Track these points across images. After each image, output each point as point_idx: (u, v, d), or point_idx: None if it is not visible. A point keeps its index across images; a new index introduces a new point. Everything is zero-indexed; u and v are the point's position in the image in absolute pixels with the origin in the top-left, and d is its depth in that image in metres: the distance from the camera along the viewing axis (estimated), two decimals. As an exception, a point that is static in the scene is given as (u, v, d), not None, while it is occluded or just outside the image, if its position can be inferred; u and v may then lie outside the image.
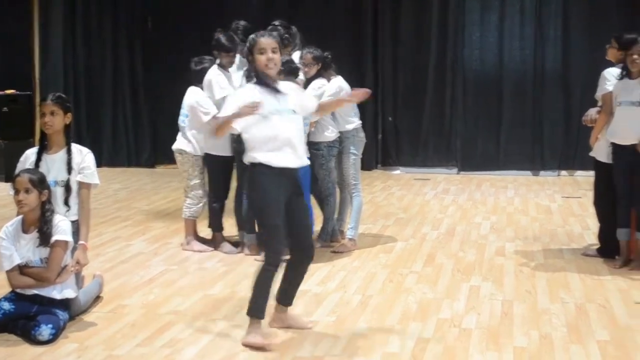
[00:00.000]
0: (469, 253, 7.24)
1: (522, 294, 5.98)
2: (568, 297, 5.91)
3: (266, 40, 4.94)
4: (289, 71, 6.71)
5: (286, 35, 7.21)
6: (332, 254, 7.15)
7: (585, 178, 10.96)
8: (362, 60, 12.40)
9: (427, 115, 12.41)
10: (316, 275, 6.47)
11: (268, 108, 4.87)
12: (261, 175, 4.95)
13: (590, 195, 7.28)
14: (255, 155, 4.95)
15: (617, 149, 6.66)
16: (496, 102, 12.22)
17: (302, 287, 5.99)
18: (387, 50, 12.44)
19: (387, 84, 12.44)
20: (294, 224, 5.03)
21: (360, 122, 7.48)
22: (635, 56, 6.44)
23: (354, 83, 7.57)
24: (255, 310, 4.97)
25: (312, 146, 7.10)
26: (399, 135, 12.63)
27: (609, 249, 6.94)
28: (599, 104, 6.95)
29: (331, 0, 12.57)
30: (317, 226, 7.36)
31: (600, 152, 6.90)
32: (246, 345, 4.90)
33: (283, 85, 5.11)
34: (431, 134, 12.47)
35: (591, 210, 7.35)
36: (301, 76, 7.03)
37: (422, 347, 4.90)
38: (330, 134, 7.21)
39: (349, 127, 7.32)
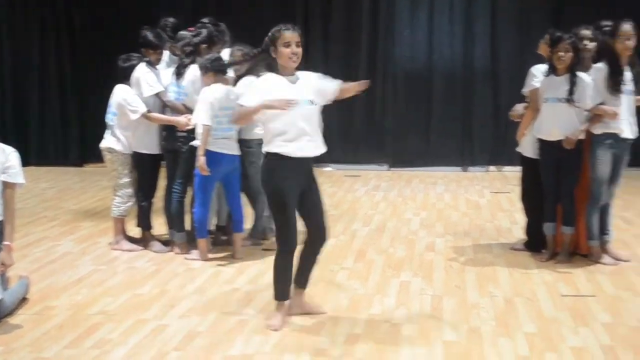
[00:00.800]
0: (399, 249, 7.29)
1: (451, 289, 6.04)
2: (497, 291, 5.99)
3: (291, 34, 5.07)
4: (218, 69, 6.68)
5: (215, 32, 7.17)
6: (264, 251, 7.13)
7: (514, 173, 11.10)
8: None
9: (358, 113, 12.45)
10: (247, 273, 6.45)
11: (287, 96, 5.00)
12: (277, 165, 5.09)
13: (518, 190, 7.38)
14: (272, 145, 5.09)
15: (543, 144, 6.76)
16: (426, 99, 12.32)
17: (233, 285, 6.01)
18: (318, 48, 12.45)
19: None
20: (310, 207, 5.25)
21: (290, 119, 7.46)
22: (561, 53, 6.54)
23: (284, 80, 7.55)
24: (277, 294, 5.29)
25: (243, 144, 7.07)
26: (330, 132, 12.51)
27: (536, 243, 7.05)
28: (527, 99, 7.05)
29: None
30: (248, 224, 7.34)
31: (527, 148, 7.00)
32: (268, 326, 5.17)
33: (302, 75, 5.23)
34: (362, 131, 12.52)
35: (519, 205, 7.45)
36: (231, 73, 7.00)
37: (352, 342, 4.92)
38: (260, 131, 7.15)
39: (279, 124, 7.30)
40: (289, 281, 5.31)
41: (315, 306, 5.53)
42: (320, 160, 12.52)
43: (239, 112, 5.22)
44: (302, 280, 5.42)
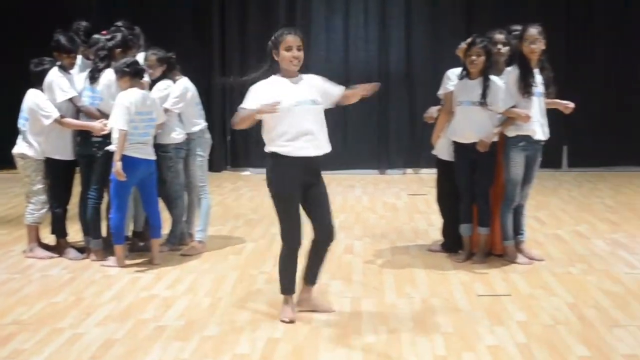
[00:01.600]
0: (318, 252, 7.29)
1: (370, 291, 6.08)
2: (414, 292, 6.05)
3: (293, 38, 5.23)
4: (134, 73, 6.61)
5: (130, 36, 7.09)
6: (182, 257, 7.08)
7: (430, 176, 11.24)
8: (209, 62, 12.34)
9: (275, 117, 12.44)
10: (165, 279, 6.39)
11: (288, 100, 5.16)
12: (280, 165, 5.22)
13: (434, 192, 7.46)
14: (274, 145, 5.22)
15: (458, 147, 6.86)
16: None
17: (151, 291, 5.94)
18: (235, 52, 12.45)
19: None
20: (315, 207, 5.35)
21: (206, 123, 7.43)
22: (473, 57, 6.65)
23: (200, 84, 7.52)
24: (282, 288, 5.44)
25: (160, 148, 7.01)
26: (248, 137, 12.60)
27: (452, 244, 7.15)
28: (442, 102, 7.14)
29: (176, 0, 12.43)
30: (166, 230, 7.28)
31: (442, 150, 7.10)
32: (282, 320, 5.33)
33: (306, 77, 5.38)
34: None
35: (435, 207, 7.54)
36: (146, 78, 6.93)
37: (272, 347, 4.91)
38: (177, 136, 7.13)
39: (195, 128, 7.27)
40: (293, 276, 5.43)
41: (324, 304, 5.65)
42: (238, 164, 12.67)
43: (237, 115, 5.29)
44: (310, 277, 5.55)
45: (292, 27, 5.46)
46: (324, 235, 5.41)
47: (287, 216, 5.30)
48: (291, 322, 5.29)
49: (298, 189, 5.25)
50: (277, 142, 5.20)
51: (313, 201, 5.35)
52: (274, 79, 5.29)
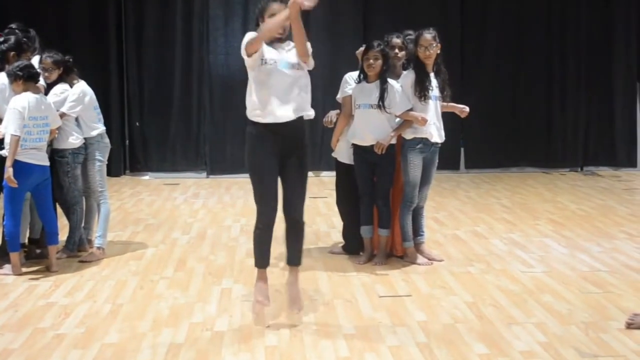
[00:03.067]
0: (220, 256, 7.28)
1: (272, 294, 6.03)
2: (316, 295, 6.08)
3: (278, 6, 5.15)
4: (27, 76, 6.46)
5: (24, 39, 6.93)
6: (80, 263, 6.95)
7: (330, 178, 11.29)
8: (108, 65, 12.16)
9: (174, 120, 12.37)
10: (63, 286, 6.27)
11: (268, 55, 5.17)
12: (251, 134, 5.24)
13: (334, 195, 7.50)
14: (247, 112, 5.26)
15: (357, 149, 6.92)
16: (242, 106, 12.31)
17: (48, 299, 5.83)
18: (132, 55, 12.28)
19: (133, 89, 12.28)
20: (286, 191, 5.31)
21: (104, 127, 7.32)
22: (371, 60, 6.72)
23: (98, 88, 7.41)
24: (256, 262, 5.48)
25: (57, 153, 6.90)
26: (146, 141, 12.49)
27: (353, 246, 7.21)
28: (342, 106, 7.19)
29: (72, 1, 12.20)
30: (63, 236, 7.14)
31: (342, 153, 7.15)
32: (254, 304, 5.43)
33: (292, 44, 5.27)
34: (179, 139, 12.44)
35: (336, 209, 7.58)
36: (42, 81, 6.78)
37: (174, 352, 4.86)
38: (74, 141, 7.00)
39: (94, 133, 7.15)
40: (265, 251, 5.43)
41: (297, 301, 5.48)
42: (137, 169, 12.51)
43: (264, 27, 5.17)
44: (288, 257, 5.56)
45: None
46: (289, 216, 5.39)
47: (257, 190, 5.30)
48: (261, 304, 5.31)
49: (271, 159, 5.20)
50: (250, 108, 5.27)
51: (286, 176, 5.31)
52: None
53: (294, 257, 5.53)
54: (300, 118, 5.29)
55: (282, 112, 5.17)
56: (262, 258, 5.46)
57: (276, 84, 5.18)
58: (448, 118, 7.18)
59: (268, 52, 5.21)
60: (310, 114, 5.35)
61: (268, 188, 5.23)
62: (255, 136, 5.21)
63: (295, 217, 5.40)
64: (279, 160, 5.24)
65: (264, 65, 5.19)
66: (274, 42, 5.26)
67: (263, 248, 5.43)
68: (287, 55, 5.26)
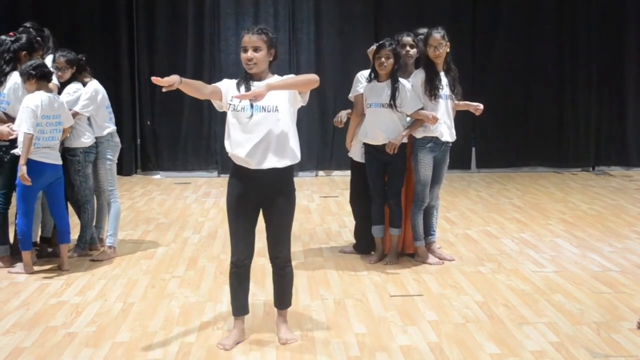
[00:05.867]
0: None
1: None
2: (327, 294, 6.08)
3: (248, 38, 4.74)
4: (40, 75, 6.48)
5: (38, 38, 6.96)
6: (92, 262, 6.97)
7: (342, 177, 11.38)
8: (119, 64, 12.20)
9: (185, 120, 12.39)
10: (74, 285, 6.28)
11: (241, 104, 4.76)
12: (230, 175, 4.97)
13: (346, 194, 7.51)
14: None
15: (369, 149, 6.92)
16: (253, 106, 12.34)
17: (60, 298, 5.84)
18: (144, 54, 12.31)
19: (145, 88, 12.31)
20: (267, 233, 5.03)
21: (115, 127, 7.33)
22: (382, 59, 6.71)
23: (110, 87, 7.42)
24: (232, 309, 5.09)
25: (68, 152, 6.92)
26: (158, 140, 12.52)
27: (365, 245, 7.21)
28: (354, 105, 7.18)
29: (83, 1, 12.24)
30: (75, 235, 7.16)
31: (356, 152, 7.15)
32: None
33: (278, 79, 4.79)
34: (190, 138, 12.47)
35: (347, 208, 7.58)
36: (55, 80, 6.80)
37: (185, 351, 4.87)
38: (86, 140, 7.02)
39: (105, 132, 7.16)
40: (241, 297, 5.06)
41: (289, 335, 5.08)
42: (149, 168, 12.53)
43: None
44: (275, 301, 5.20)
45: (257, 25, 4.91)
46: (272, 262, 5.12)
47: (230, 227, 5.01)
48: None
49: (246, 201, 4.88)
50: (229, 148, 4.90)
51: (267, 220, 5.01)
52: (235, 81, 4.90)
53: (280, 302, 5.19)
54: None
55: (258, 158, 4.80)
56: (236, 304, 5.07)
57: (252, 129, 4.80)
58: (459, 117, 7.17)
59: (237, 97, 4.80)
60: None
61: (240, 228, 4.96)
62: (232, 177, 4.97)
63: (276, 257, 5.08)
64: (253, 204, 4.94)
65: (239, 112, 4.85)
66: (256, 79, 4.83)
67: (238, 292, 5.05)
68: (264, 99, 4.72)
